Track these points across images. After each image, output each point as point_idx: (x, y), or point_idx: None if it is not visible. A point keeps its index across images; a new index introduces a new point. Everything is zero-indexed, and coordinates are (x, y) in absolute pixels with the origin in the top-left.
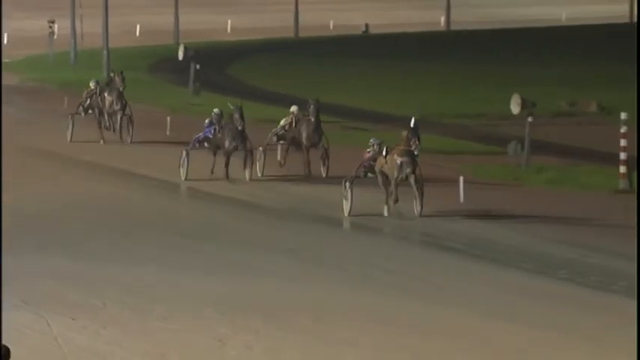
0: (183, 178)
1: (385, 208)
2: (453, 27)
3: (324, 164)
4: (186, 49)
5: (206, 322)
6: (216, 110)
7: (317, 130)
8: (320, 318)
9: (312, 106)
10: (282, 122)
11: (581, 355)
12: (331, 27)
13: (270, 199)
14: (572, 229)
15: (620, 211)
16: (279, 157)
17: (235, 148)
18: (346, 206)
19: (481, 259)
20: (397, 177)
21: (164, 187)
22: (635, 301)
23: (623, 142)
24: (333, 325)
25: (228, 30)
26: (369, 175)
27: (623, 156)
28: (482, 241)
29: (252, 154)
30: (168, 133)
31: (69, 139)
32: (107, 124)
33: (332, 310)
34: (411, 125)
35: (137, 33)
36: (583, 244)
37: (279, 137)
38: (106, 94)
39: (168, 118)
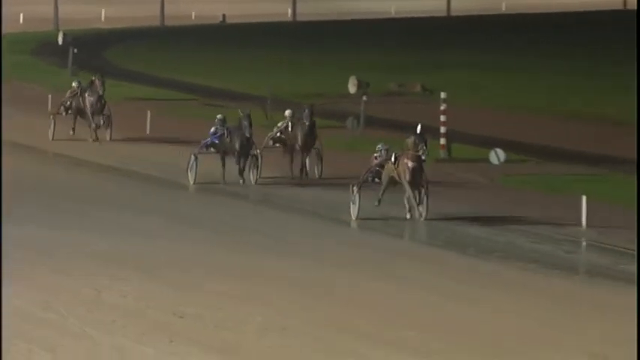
0: (191, 183)
1: (406, 211)
2: (299, 18)
3: (317, 166)
4: (64, 35)
5: (87, 274)
6: (219, 116)
7: (311, 133)
8: (188, 271)
9: (306, 111)
10: (278, 125)
11: (407, 298)
12: (193, 17)
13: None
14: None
15: (441, 176)
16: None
17: (243, 153)
18: (354, 210)
19: (331, 220)
20: (409, 180)
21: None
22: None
23: (442, 118)
24: (198, 277)
25: (102, 19)
26: (376, 180)
27: (442, 130)
28: (330, 203)
29: (257, 158)
30: (49, 108)
31: (51, 137)
32: (90, 123)
33: (199, 264)
34: (418, 131)
35: (20, 21)
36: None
37: (275, 140)
38: (87, 96)
39: (50, 96)
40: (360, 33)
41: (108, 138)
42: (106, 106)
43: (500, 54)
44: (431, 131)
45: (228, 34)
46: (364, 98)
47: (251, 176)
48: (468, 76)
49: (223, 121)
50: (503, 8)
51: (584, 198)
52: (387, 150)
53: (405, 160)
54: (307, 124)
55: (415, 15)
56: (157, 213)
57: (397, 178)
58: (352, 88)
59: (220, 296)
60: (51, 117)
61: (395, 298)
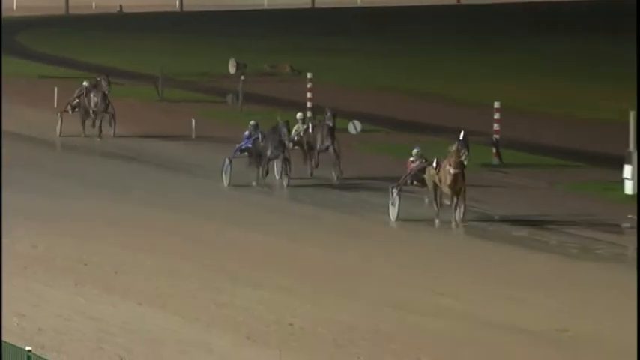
0: (226, 185)
1: (435, 213)
2: (186, 9)
3: (335, 166)
4: None
5: (5, 228)
6: (252, 122)
7: (331, 134)
8: (91, 225)
9: (328, 113)
10: (296, 128)
11: (271, 246)
12: (94, 7)
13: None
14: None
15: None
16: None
17: (276, 157)
18: (393, 212)
19: (198, 175)
20: (450, 185)
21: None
22: None
23: (309, 94)
24: (97, 229)
25: (14, 7)
26: (415, 183)
27: (309, 104)
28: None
29: (289, 162)
30: None
31: (58, 133)
32: (93, 120)
33: (100, 217)
34: (460, 138)
35: None
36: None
37: (295, 143)
38: (92, 95)
39: None
40: (237, 22)
41: (112, 134)
42: (110, 105)
43: (359, 41)
44: (298, 106)
45: (125, 23)
46: (242, 77)
47: (284, 180)
48: (330, 59)
49: (256, 126)
50: (359, 2)
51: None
52: (421, 154)
53: (448, 167)
54: (330, 125)
55: (283, 7)
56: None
57: (437, 182)
58: (232, 68)
59: (118, 246)
60: (58, 114)
61: (265, 246)
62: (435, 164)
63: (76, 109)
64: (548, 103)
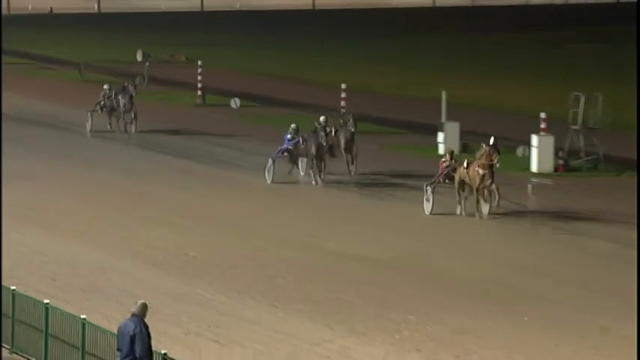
0: (269, 182)
1: (458, 208)
2: (103, 11)
3: (352, 164)
4: None
5: None
6: (293, 126)
7: (352, 138)
8: (39, 184)
9: (350, 120)
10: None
11: (175, 197)
12: (30, 8)
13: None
14: (187, 134)
15: (196, 118)
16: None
17: (317, 158)
18: (427, 206)
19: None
20: (479, 185)
21: None
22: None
23: (199, 77)
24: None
25: None
26: (447, 181)
27: (199, 85)
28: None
29: (325, 163)
30: None
31: (88, 130)
32: (121, 118)
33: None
34: (491, 143)
35: None
36: (188, 131)
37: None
38: (120, 97)
39: None
40: (143, 21)
41: (133, 130)
42: (134, 105)
43: (240, 37)
44: (190, 86)
45: (55, 21)
46: (147, 64)
47: (320, 177)
48: (217, 51)
49: (296, 130)
50: (238, 6)
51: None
52: (452, 154)
53: (477, 168)
54: (352, 130)
55: (178, 10)
56: None
57: (467, 181)
58: (139, 57)
59: (63, 197)
60: (88, 114)
61: (172, 197)
62: (465, 165)
63: (104, 110)
64: (383, 85)
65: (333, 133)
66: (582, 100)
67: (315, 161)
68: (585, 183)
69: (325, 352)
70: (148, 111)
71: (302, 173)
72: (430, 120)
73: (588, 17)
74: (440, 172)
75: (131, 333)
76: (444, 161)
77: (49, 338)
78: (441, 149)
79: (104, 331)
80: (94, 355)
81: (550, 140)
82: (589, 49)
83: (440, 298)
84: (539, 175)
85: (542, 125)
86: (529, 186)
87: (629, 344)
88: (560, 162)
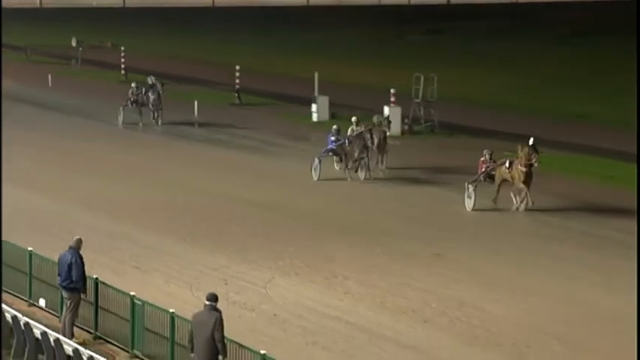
0: (315, 179)
1: (495, 202)
2: (45, 6)
3: (382, 162)
4: None
5: None
6: (335, 127)
7: (385, 138)
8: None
9: (385, 122)
10: (350, 129)
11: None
12: None
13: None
14: (115, 105)
15: (122, 93)
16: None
17: (362, 158)
18: (469, 203)
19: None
20: (523, 181)
21: None
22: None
23: (122, 60)
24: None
25: None
26: (487, 180)
27: (122, 66)
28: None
29: (368, 161)
30: None
31: (120, 122)
32: (150, 112)
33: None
34: (530, 143)
35: None
36: (115, 102)
37: (350, 142)
38: (149, 94)
39: None
40: (77, 14)
41: (160, 123)
42: (161, 102)
43: (157, 28)
44: (115, 67)
45: (5, 14)
46: (80, 49)
47: (361, 173)
48: (139, 39)
49: (338, 130)
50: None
51: (195, 102)
52: (491, 154)
53: (519, 167)
54: (386, 131)
55: (108, 5)
56: None
57: (509, 179)
58: (73, 42)
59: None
60: (120, 108)
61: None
62: (507, 164)
63: (134, 105)
64: (269, 67)
65: (366, 133)
66: (422, 79)
67: (359, 161)
68: (425, 143)
69: (223, 276)
70: (82, 86)
71: (337, 168)
72: (306, 94)
73: (427, 15)
74: (481, 171)
75: (69, 262)
76: (483, 161)
77: (3, 267)
78: (315, 117)
79: (47, 261)
80: (40, 279)
81: (398, 110)
82: (427, 40)
83: (313, 233)
84: (390, 137)
85: (392, 99)
86: None
87: (455, 264)
88: (406, 127)
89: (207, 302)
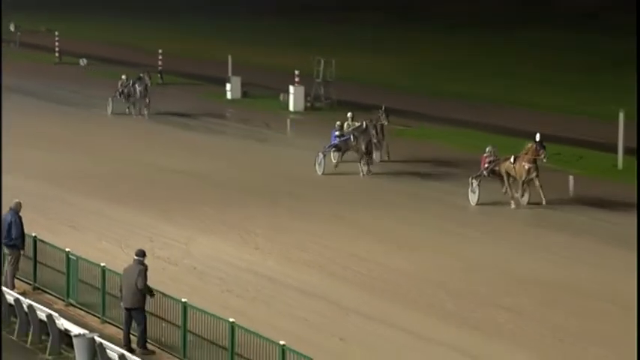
0: (320, 173)
1: (505, 191)
2: None
3: (383, 151)
4: None
5: None
6: (338, 123)
7: (382, 131)
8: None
9: (382, 114)
10: (347, 124)
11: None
12: None
13: None
14: (51, 84)
15: (57, 74)
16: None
17: (367, 153)
18: (473, 198)
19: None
20: (525, 178)
21: None
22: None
23: (57, 44)
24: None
25: None
26: (490, 175)
27: (57, 49)
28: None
29: (372, 157)
30: None
31: (109, 112)
32: (137, 103)
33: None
34: (537, 139)
35: None
36: (52, 82)
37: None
38: (137, 86)
39: None
40: (17, 2)
41: (146, 113)
42: (149, 93)
43: (97, 13)
44: (50, 50)
45: None
46: (18, 34)
47: (364, 168)
48: (75, 23)
49: (342, 126)
50: None
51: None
52: (495, 151)
53: (523, 163)
54: (385, 124)
55: None
56: None
57: (512, 173)
58: (11, 27)
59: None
60: (109, 99)
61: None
62: (512, 159)
63: (122, 96)
64: (189, 51)
65: (364, 127)
66: (322, 62)
67: (365, 156)
68: (325, 117)
69: (149, 234)
70: (20, 68)
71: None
72: (221, 75)
73: (334, 5)
74: (483, 166)
75: (9, 222)
76: (486, 156)
77: None
78: (229, 95)
79: None
80: None
81: (301, 89)
82: (331, 28)
83: (231, 197)
84: (294, 112)
85: (297, 79)
86: (287, 120)
87: (353, 225)
88: (308, 104)
89: (135, 257)
